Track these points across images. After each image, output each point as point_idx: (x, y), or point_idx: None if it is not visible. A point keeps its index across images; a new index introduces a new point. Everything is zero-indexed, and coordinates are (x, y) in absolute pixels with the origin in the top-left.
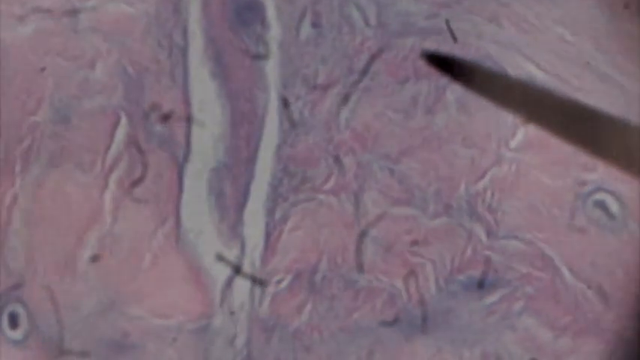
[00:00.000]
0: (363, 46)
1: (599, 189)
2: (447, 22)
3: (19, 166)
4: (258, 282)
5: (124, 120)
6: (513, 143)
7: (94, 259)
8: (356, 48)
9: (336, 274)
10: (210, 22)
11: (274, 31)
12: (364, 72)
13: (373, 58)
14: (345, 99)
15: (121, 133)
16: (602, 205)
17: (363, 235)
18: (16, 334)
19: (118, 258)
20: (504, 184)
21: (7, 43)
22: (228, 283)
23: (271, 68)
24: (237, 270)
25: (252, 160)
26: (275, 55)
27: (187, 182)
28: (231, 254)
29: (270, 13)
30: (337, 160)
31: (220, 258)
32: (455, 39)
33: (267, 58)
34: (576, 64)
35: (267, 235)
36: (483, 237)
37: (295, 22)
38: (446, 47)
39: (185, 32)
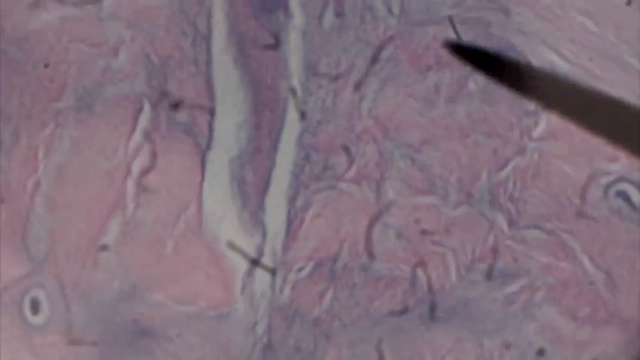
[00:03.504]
0: (385, 34)
1: (621, 179)
2: (451, 19)
3: (42, 152)
4: (271, 271)
5: (146, 107)
6: (536, 133)
7: (104, 248)
8: (379, 36)
9: (357, 262)
10: (234, 10)
11: (297, 20)
12: (387, 60)
13: (396, 46)
14: (367, 87)
15: (143, 120)
16: (623, 196)
17: (381, 223)
18: (38, 320)
19: (140, 244)
20: (526, 173)
21: (30, 30)
22: (250, 270)
23: (294, 56)
24: (250, 259)
25: (273, 147)
26: (296, 43)
27: (209, 169)
28: (252, 242)
29: (294, 1)
30: (358, 148)
31: (232, 246)
32: (459, 36)
33: (276, 48)
34: (599, 53)
35: (289, 223)
36: (505, 226)
37: (318, 11)
38: (469, 36)
39: (209, 20)
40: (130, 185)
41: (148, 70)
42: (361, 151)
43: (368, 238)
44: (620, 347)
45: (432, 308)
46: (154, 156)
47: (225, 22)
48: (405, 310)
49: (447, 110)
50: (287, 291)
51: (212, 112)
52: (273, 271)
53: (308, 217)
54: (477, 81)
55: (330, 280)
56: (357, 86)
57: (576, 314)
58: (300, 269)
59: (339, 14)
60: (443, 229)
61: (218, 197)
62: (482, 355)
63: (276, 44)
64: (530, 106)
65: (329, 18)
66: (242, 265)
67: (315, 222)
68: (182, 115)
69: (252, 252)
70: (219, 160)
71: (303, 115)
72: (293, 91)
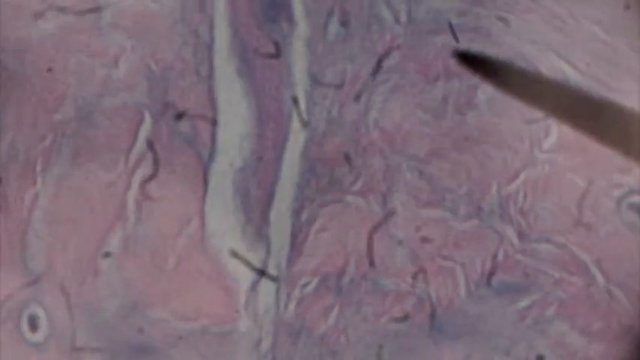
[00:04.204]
0: (392, 44)
1: (634, 192)
2: (450, 25)
3: (40, 165)
4: (276, 280)
5: (147, 118)
6: (546, 144)
7: (107, 255)
8: (385, 46)
9: (363, 277)
10: (237, 18)
11: (301, 29)
12: (393, 70)
13: (403, 55)
14: (372, 98)
15: (144, 132)
16: (636, 209)
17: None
18: (37, 337)
19: (142, 259)
20: (537, 186)
21: (28, 40)
22: (254, 286)
23: (297, 66)
24: (254, 268)
25: (278, 160)
26: (300, 52)
27: (212, 182)
28: (255, 256)
29: (297, 10)
30: (365, 160)
31: (234, 254)
32: (457, 40)
33: (279, 57)
34: (611, 63)
35: (293, 237)
36: (515, 240)
37: (323, 20)
38: (477, 45)
39: (211, 29)
40: (131, 198)
41: (149, 80)
42: (367, 163)
43: (370, 247)
44: None
45: (434, 320)
46: (155, 168)
47: (227, 31)
48: (405, 318)
49: (455, 121)
50: (292, 307)
51: (214, 123)
52: (277, 280)
53: (313, 231)
54: (486, 91)
55: (337, 296)
56: (358, 97)
57: (589, 330)
58: (306, 284)
59: (344, 23)
60: (452, 243)
61: (221, 210)
62: None
63: (278, 53)
64: (540, 116)
65: (334, 27)
66: (246, 280)
67: (320, 236)
68: (184, 126)
69: (256, 263)
70: (223, 172)
71: (305, 124)
72: (295, 100)
